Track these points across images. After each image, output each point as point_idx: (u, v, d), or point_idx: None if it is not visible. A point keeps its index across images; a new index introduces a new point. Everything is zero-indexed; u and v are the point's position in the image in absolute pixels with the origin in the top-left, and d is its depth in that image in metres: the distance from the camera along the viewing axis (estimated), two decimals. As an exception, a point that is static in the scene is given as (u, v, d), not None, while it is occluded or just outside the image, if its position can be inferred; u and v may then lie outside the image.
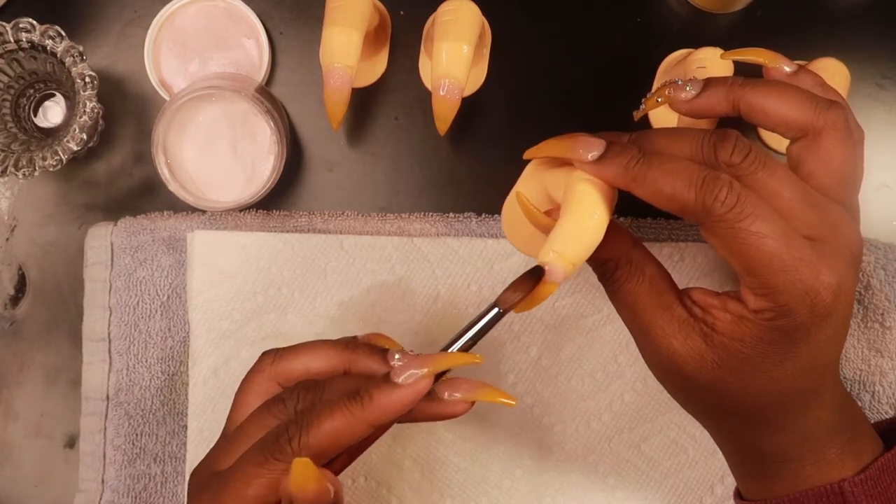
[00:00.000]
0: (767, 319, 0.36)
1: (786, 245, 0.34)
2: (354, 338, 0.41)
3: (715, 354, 0.37)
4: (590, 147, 0.37)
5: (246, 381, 0.40)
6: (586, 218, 0.36)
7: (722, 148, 0.36)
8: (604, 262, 0.39)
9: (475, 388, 0.37)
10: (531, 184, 0.41)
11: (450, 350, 0.37)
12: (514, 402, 0.37)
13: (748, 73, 0.42)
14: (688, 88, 0.39)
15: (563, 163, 0.39)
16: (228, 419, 0.40)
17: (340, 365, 0.39)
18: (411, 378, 0.35)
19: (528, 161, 0.42)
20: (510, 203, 0.43)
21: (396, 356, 0.38)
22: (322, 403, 0.36)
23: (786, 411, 0.38)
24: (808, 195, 0.36)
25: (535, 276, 0.37)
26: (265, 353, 0.40)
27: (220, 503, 0.35)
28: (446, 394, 0.37)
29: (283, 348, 0.40)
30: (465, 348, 0.38)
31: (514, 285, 0.37)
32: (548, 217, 0.39)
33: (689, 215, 0.36)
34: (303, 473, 0.34)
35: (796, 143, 0.38)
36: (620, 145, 0.37)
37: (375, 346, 0.40)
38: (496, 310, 0.37)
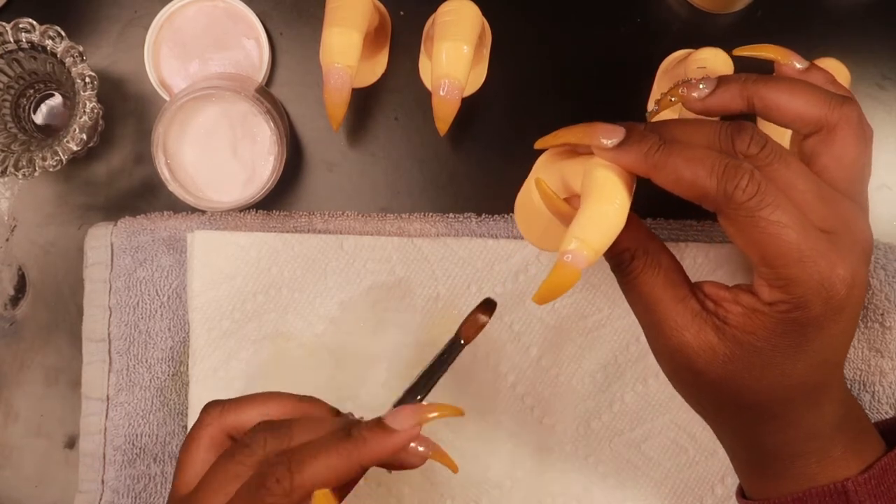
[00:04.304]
0: (782, 312, 0.36)
1: (804, 236, 0.34)
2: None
3: (727, 348, 0.37)
4: (609, 134, 0.37)
5: (193, 438, 0.39)
6: (607, 204, 0.36)
7: (739, 139, 0.36)
8: (620, 253, 0.39)
9: (435, 447, 0.39)
10: (546, 173, 0.40)
11: (418, 383, 0.41)
12: (455, 469, 0.39)
13: (749, 72, 0.42)
14: (701, 87, 0.39)
15: (579, 152, 0.39)
16: (177, 478, 0.39)
17: (296, 414, 0.40)
18: (405, 425, 0.37)
19: (534, 157, 0.41)
20: (524, 196, 0.43)
21: (350, 413, 0.41)
22: (311, 445, 0.36)
23: (795, 407, 0.38)
24: (822, 189, 0.36)
25: (489, 306, 0.42)
26: (210, 406, 0.40)
27: None
28: (413, 445, 0.38)
29: (231, 400, 0.40)
30: (434, 381, 0.41)
31: (472, 318, 0.42)
32: (567, 205, 0.38)
33: (709, 203, 0.36)
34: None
35: (810, 139, 0.38)
36: (640, 132, 0.37)
37: (325, 403, 0.41)
38: (458, 343, 0.42)
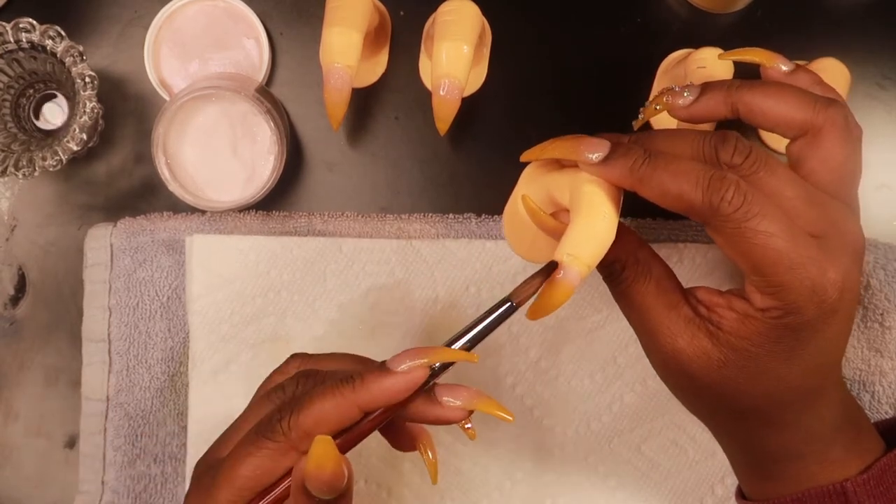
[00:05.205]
0: (774, 318, 0.36)
1: (793, 243, 0.34)
2: None
3: (721, 353, 0.37)
4: (594, 148, 0.37)
5: (269, 380, 0.41)
6: (598, 219, 0.36)
7: (723, 149, 0.36)
8: (611, 263, 0.39)
9: (474, 397, 0.37)
10: (532, 187, 0.41)
11: (457, 343, 0.37)
12: (511, 419, 0.37)
13: (749, 73, 0.42)
14: (686, 94, 0.40)
15: (564, 164, 0.39)
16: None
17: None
18: (405, 367, 0.36)
19: (527, 162, 0.41)
20: (511, 209, 0.43)
21: None
22: (317, 388, 0.36)
23: (792, 410, 0.38)
24: (809, 193, 0.36)
25: (548, 269, 0.36)
26: (294, 355, 0.41)
27: (215, 485, 0.36)
28: (445, 398, 0.37)
29: (313, 354, 0.41)
30: (475, 341, 0.37)
31: (529, 279, 0.37)
32: (554, 219, 0.38)
33: (696, 215, 0.36)
34: (323, 452, 0.34)
35: (796, 142, 0.38)
36: (625, 146, 0.37)
37: None
38: (509, 304, 0.37)
